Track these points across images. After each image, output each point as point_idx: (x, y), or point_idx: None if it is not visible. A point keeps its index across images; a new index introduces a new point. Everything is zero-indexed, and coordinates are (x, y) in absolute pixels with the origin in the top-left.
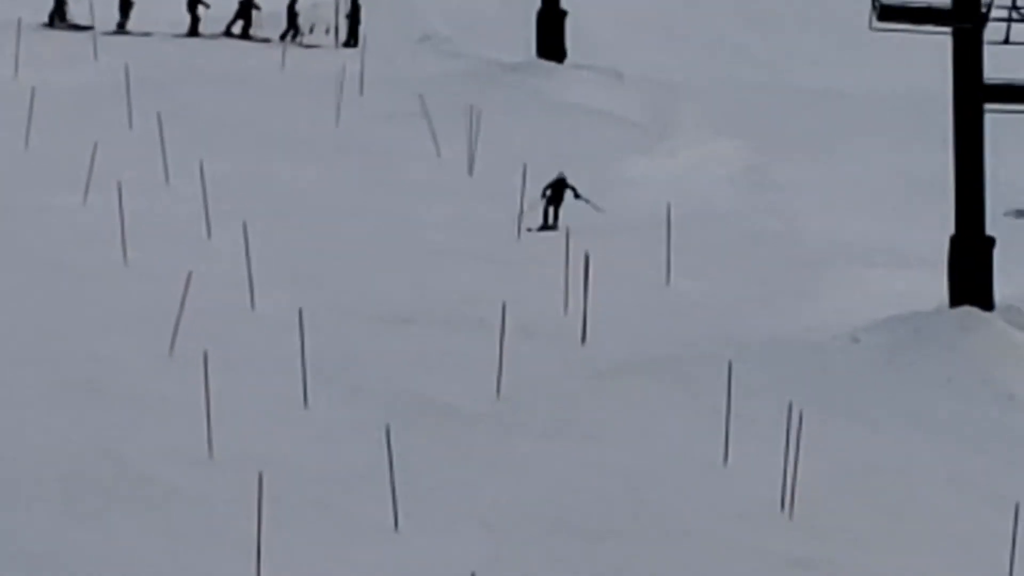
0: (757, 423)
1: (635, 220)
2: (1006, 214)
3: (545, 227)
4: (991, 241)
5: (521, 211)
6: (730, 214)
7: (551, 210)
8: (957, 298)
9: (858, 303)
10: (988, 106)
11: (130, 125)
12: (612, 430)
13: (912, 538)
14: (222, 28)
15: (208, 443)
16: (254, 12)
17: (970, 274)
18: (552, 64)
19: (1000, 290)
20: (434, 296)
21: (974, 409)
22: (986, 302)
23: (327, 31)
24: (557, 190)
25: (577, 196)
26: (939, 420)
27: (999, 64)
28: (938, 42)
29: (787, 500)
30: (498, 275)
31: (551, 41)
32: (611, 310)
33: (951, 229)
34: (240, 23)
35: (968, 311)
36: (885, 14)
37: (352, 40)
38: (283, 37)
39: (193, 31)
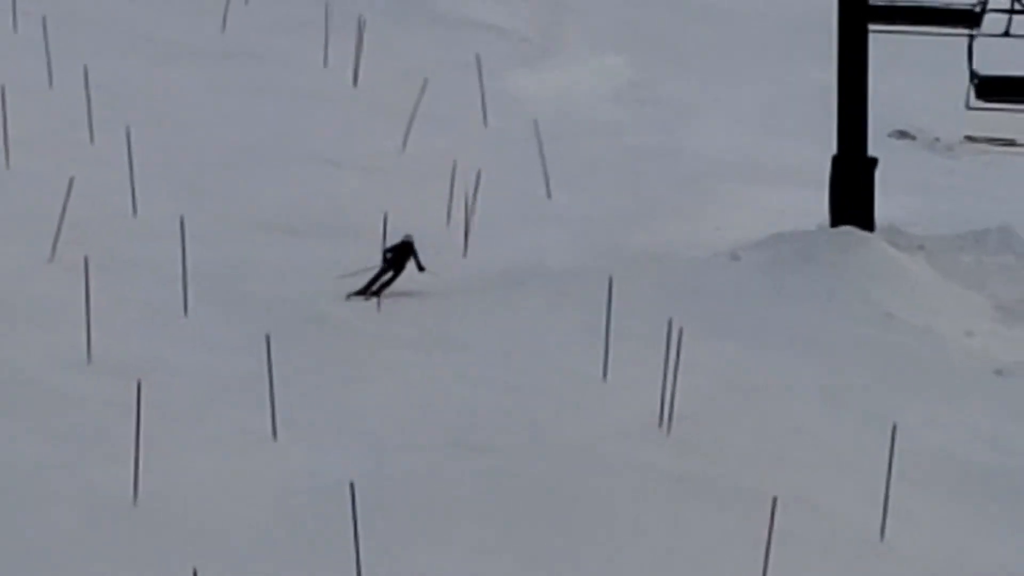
0: (637, 339)
1: (519, 134)
2: (889, 135)
3: (368, 292)
4: (873, 161)
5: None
6: (614, 129)
7: (385, 277)
8: (838, 217)
9: (740, 221)
10: (872, 27)
11: (14, 28)
12: (493, 343)
13: (789, 455)
14: None
15: (88, 348)
16: None
17: (851, 194)
18: None
19: (881, 210)
20: (316, 206)
21: (853, 327)
22: (867, 222)
23: None
24: (401, 255)
25: (421, 269)
26: (818, 338)
27: None
28: None
29: (665, 416)
30: (381, 186)
31: None
32: (493, 223)
33: (834, 149)
34: None
35: (849, 230)
36: None
37: None
38: None
39: None
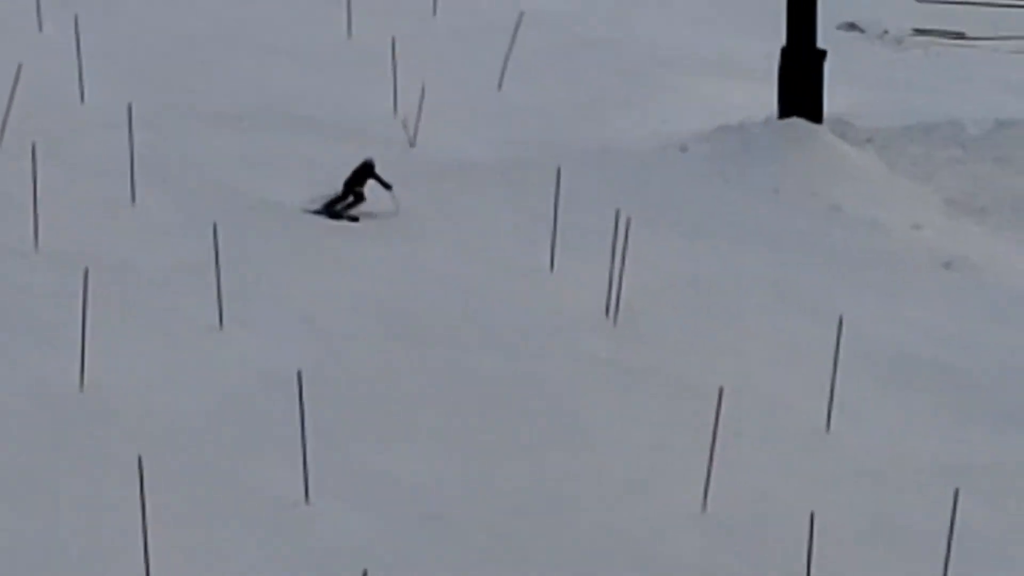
0: (584, 231)
1: (472, 25)
2: (838, 27)
3: (331, 211)
4: (822, 54)
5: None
6: (563, 22)
7: (346, 200)
8: (786, 110)
9: (688, 113)
10: None
11: None
12: (441, 234)
13: (736, 347)
14: None
15: (35, 236)
16: None
17: (800, 86)
18: None
19: (830, 103)
20: (264, 96)
21: (800, 220)
22: (815, 114)
23: None
24: (359, 177)
25: (388, 187)
26: (765, 231)
27: None
28: None
29: (612, 308)
30: (329, 76)
31: None
32: (442, 114)
33: (783, 41)
34: None
35: (797, 123)
36: None
37: None
38: None
39: None
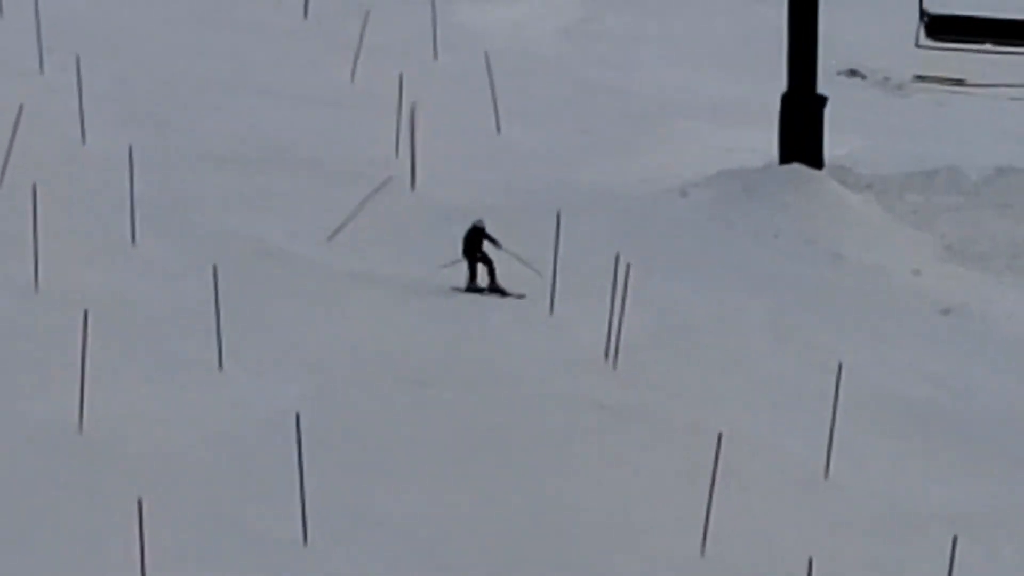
0: (583, 274)
1: (469, 68)
2: (839, 73)
3: (475, 288)
4: (822, 100)
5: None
6: (563, 64)
7: (477, 267)
8: (787, 155)
9: (688, 158)
10: None
11: None
12: (440, 278)
13: (734, 392)
14: None
15: (35, 277)
16: None
17: (800, 132)
18: None
19: (830, 149)
20: (265, 137)
21: (800, 267)
22: (816, 160)
23: None
24: (473, 242)
25: (498, 246)
26: (764, 276)
27: None
28: None
29: (612, 351)
30: (329, 118)
31: None
32: (442, 157)
33: (784, 87)
34: None
35: (797, 169)
36: None
37: None
38: None
39: None
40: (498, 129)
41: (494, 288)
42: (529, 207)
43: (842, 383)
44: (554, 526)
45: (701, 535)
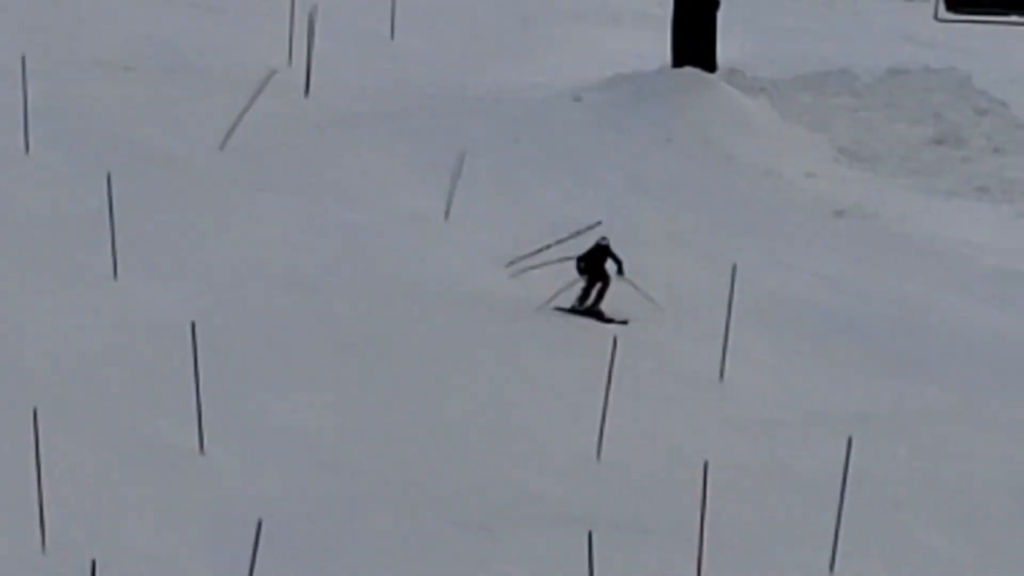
0: (478, 179)
1: None
2: None
3: (585, 311)
4: (715, 2)
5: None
6: None
7: (592, 290)
8: (680, 59)
9: (581, 62)
10: None
11: None
12: (335, 184)
13: (628, 295)
14: None
15: None
16: None
17: (693, 35)
18: None
19: (722, 52)
20: (159, 44)
21: (693, 170)
22: (708, 64)
23: None
24: (594, 260)
25: (620, 272)
26: (658, 180)
27: None
28: None
29: (506, 255)
30: (223, 25)
31: None
32: (336, 63)
33: None
34: None
35: (690, 72)
36: None
37: None
38: None
39: None
40: (392, 35)
41: (595, 311)
42: (423, 112)
43: (736, 286)
44: (449, 430)
45: (597, 438)
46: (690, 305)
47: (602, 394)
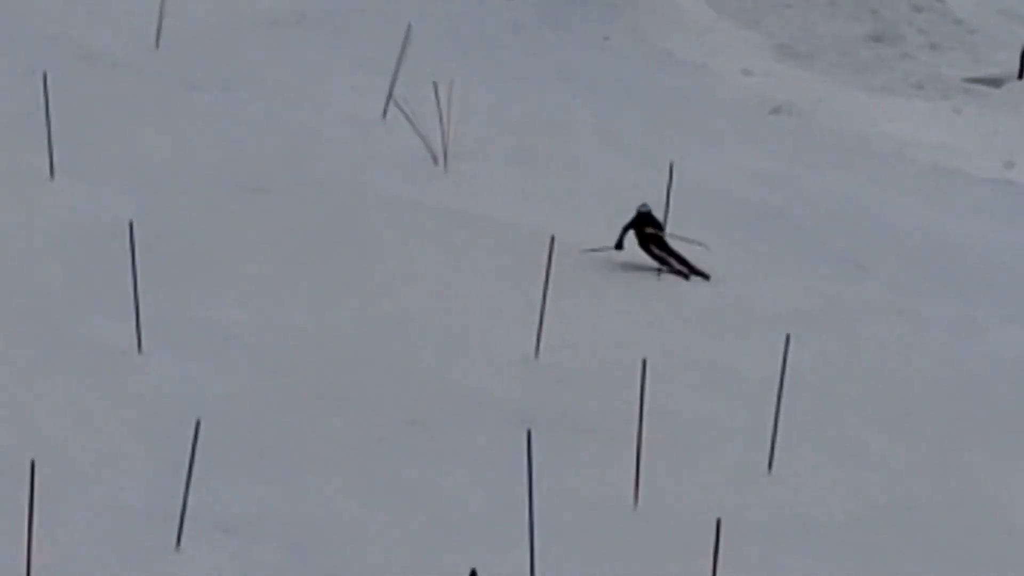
0: (413, 78)
1: None
2: None
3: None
4: None
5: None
6: None
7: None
8: None
9: None
10: None
11: None
12: (273, 82)
13: (566, 194)
14: None
15: None
16: None
17: None
18: None
19: None
20: None
21: (630, 68)
22: None
23: None
24: (646, 226)
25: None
26: (594, 79)
27: None
28: None
29: (442, 155)
30: None
31: None
32: None
33: None
34: None
35: None
36: None
37: None
38: None
39: None
40: None
41: (685, 262)
42: (359, 11)
43: (673, 183)
44: (388, 330)
45: (535, 336)
46: (627, 202)
47: (539, 291)
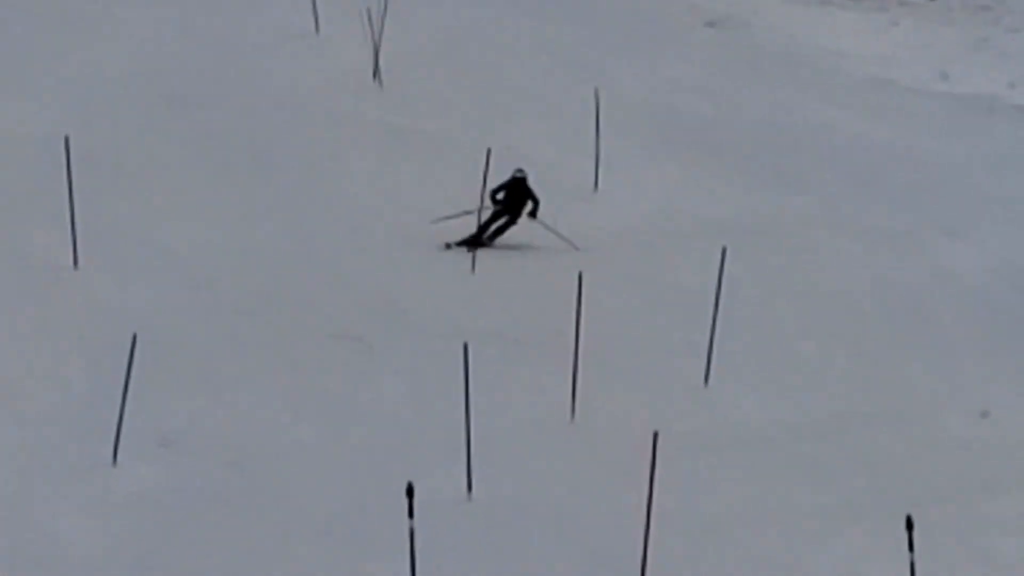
0: None
1: None
2: None
3: (476, 241)
4: None
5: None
6: None
7: (496, 224)
8: None
9: None
10: None
11: None
12: None
13: (501, 107)
14: None
15: None
16: None
17: None
18: None
19: None
20: None
21: None
22: None
23: None
24: (512, 194)
25: (533, 215)
26: None
27: None
28: None
29: (378, 70)
30: None
31: None
32: None
33: None
34: None
35: None
36: None
37: None
38: None
39: None
40: None
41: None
42: None
43: (609, 97)
44: (323, 245)
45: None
46: (559, 117)
47: (478, 197)
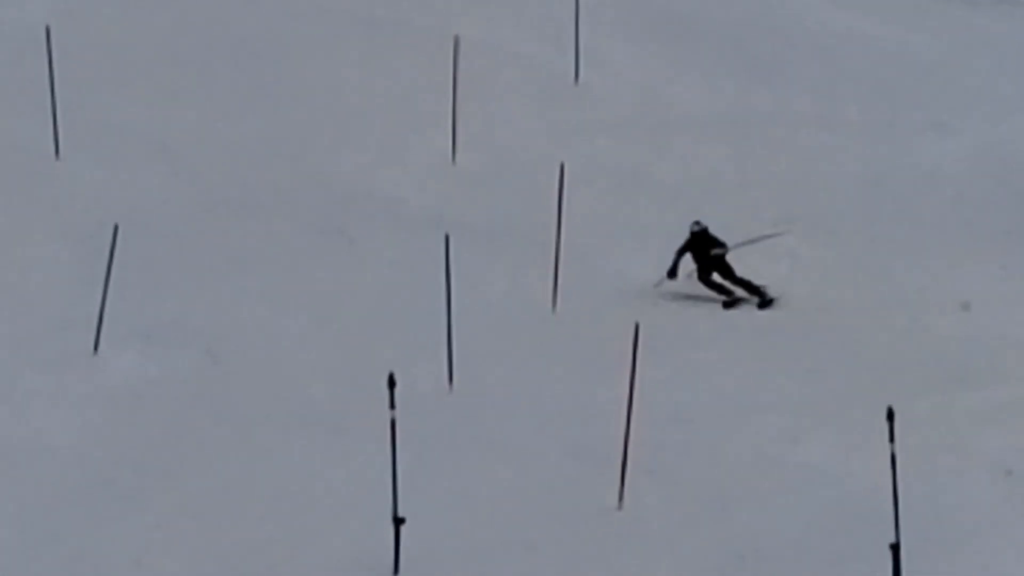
0: None
1: None
2: None
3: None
4: None
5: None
6: None
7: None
8: None
9: None
10: None
11: None
12: None
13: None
14: None
15: None
16: None
17: None
18: None
19: None
20: None
21: None
22: None
23: None
24: (698, 249)
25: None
26: None
27: None
28: None
29: None
30: None
31: None
32: None
33: None
34: None
35: None
36: None
37: None
38: None
39: None
40: None
41: (749, 285)
42: None
43: None
44: (306, 140)
45: (450, 143)
46: (540, 8)
47: (449, 91)
